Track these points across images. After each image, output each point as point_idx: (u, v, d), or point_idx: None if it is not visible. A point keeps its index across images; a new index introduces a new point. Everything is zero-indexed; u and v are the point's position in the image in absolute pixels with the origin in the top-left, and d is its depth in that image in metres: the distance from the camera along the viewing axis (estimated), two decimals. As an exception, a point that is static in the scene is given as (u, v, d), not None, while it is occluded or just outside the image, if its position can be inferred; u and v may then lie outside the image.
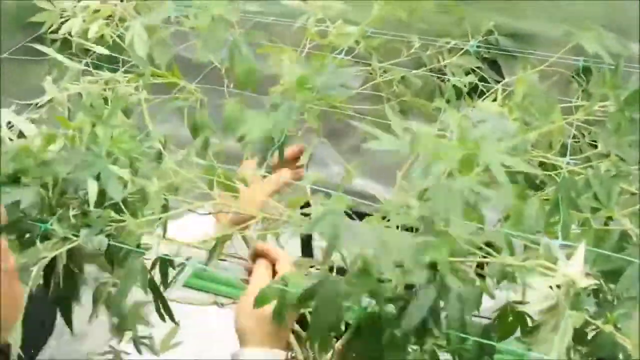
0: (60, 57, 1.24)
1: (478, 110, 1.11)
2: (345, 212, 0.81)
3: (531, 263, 0.79)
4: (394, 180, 1.12)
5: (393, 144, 0.86)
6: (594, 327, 0.77)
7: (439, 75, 1.26)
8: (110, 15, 1.37)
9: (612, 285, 0.84)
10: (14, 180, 0.93)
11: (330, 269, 0.89)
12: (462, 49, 1.25)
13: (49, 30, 1.39)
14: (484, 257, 0.83)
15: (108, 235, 0.90)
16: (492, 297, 0.90)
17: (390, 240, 0.78)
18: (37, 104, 1.11)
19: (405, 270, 0.77)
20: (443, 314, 0.81)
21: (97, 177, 0.90)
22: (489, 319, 0.91)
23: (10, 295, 0.76)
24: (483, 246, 0.82)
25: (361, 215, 0.86)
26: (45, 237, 0.91)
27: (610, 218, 0.90)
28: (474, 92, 1.22)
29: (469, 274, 0.84)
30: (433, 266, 0.79)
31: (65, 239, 0.90)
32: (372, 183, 1.58)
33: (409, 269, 0.77)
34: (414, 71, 1.26)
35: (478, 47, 1.23)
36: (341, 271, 0.89)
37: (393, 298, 0.83)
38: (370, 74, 1.27)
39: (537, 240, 0.85)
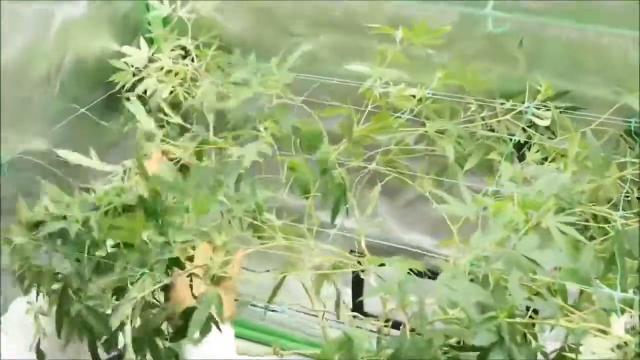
0: (140, 112, 1.33)
1: (532, 165, 1.19)
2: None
3: (584, 326, 0.84)
4: (445, 235, 1.18)
5: (462, 209, 0.96)
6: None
7: (492, 134, 1.32)
8: (180, 75, 1.47)
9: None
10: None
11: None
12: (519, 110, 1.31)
13: (125, 89, 1.50)
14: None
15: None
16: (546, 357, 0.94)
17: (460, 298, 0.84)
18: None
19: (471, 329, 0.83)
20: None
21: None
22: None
23: None
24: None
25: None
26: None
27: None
28: (527, 150, 1.29)
29: (526, 335, 0.89)
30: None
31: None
32: (425, 237, 1.64)
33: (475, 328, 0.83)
34: (466, 125, 1.32)
35: (537, 108, 1.30)
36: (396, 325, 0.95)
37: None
38: (426, 131, 1.33)
39: (593, 289, 0.89)
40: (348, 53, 1.41)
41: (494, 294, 0.85)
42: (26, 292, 1.07)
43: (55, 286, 1.04)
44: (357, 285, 1.65)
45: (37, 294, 1.07)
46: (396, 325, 1.14)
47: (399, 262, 0.88)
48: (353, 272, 1.46)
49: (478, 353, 0.81)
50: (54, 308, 1.05)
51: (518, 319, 0.84)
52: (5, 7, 1.32)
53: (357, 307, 1.59)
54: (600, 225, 1.07)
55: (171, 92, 1.44)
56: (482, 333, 0.78)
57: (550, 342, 0.94)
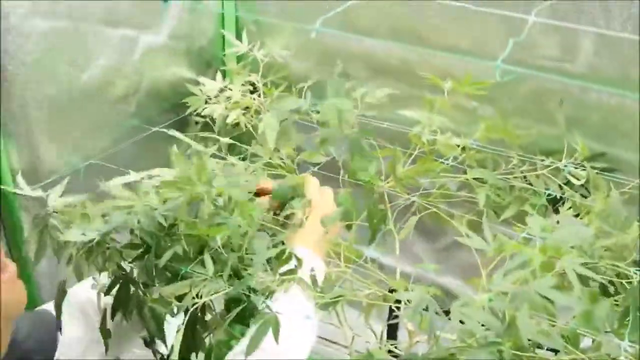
0: (187, 139, 1.43)
1: (559, 217, 1.25)
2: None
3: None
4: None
5: (481, 244, 1.02)
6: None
7: (529, 187, 1.39)
8: (247, 107, 1.59)
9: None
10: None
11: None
12: (556, 167, 1.39)
13: (195, 112, 1.64)
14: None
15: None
16: None
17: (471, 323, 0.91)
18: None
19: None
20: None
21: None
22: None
23: (13, 298, 0.97)
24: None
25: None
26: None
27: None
28: (562, 205, 1.35)
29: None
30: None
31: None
32: (459, 281, 1.70)
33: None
34: (506, 177, 1.40)
35: (574, 166, 1.37)
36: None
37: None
38: (467, 179, 1.40)
39: (602, 337, 0.95)
40: (400, 99, 1.51)
41: (508, 329, 0.92)
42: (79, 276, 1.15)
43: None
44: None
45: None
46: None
47: (420, 287, 0.95)
48: (390, 308, 1.54)
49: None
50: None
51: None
52: (94, 30, 1.46)
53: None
54: (622, 281, 1.13)
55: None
56: (482, 354, 0.85)
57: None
